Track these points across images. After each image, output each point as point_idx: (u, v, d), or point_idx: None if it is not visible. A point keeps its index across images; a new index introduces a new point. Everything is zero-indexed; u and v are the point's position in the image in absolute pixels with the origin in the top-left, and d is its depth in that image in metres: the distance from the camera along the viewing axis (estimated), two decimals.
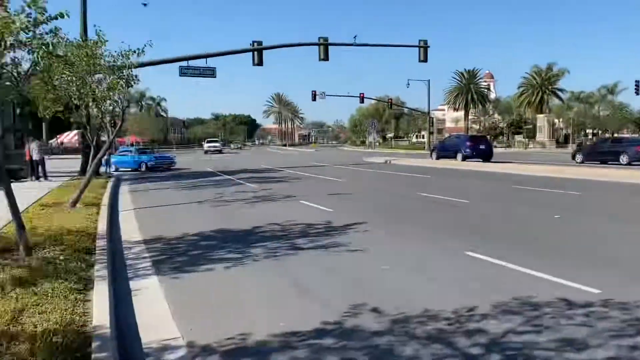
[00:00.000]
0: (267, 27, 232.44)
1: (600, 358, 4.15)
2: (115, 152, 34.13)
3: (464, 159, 32.96)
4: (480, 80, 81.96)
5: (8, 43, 6.41)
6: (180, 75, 27.05)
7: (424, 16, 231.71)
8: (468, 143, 33.90)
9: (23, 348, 4.00)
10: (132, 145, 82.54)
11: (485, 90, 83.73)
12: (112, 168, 28.85)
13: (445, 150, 35.81)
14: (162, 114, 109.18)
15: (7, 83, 13.83)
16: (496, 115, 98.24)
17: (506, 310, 5.25)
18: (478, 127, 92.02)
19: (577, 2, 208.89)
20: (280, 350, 4.47)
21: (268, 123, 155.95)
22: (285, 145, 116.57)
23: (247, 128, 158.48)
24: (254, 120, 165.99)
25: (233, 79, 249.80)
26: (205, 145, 73.14)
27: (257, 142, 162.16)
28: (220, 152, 69.16)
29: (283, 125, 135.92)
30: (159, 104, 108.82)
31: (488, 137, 58.54)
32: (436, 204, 13.57)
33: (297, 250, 8.29)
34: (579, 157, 30.93)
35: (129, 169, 30.53)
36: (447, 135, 61.39)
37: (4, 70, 7.46)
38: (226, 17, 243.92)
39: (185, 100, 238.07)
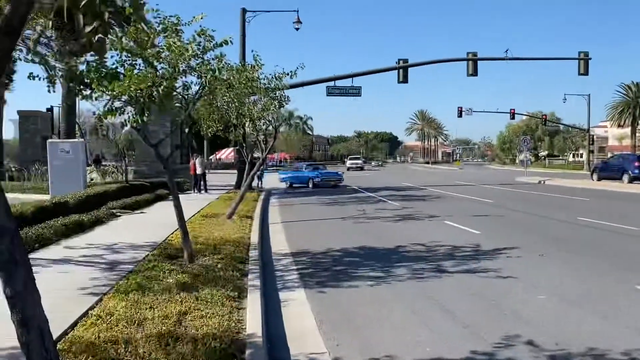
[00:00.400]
0: (412, 44, 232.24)
1: None
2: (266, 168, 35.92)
3: (632, 180, 29.42)
4: None
5: (181, 69, 7.14)
6: (327, 95, 28.01)
7: (582, 26, 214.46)
8: (637, 163, 30.23)
9: (186, 349, 4.33)
10: (284, 161, 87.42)
11: None
12: (286, 183, 30.18)
13: (608, 170, 32.39)
14: (308, 131, 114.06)
15: (177, 105, 15.43)
16: None
17: None
18: None
19: None
20: None
21: (410, 140, 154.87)
22: (427, 162, 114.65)
23: (389, 145, 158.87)
24: (396, 138, 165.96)
25: (377, 97, 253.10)
26: (348, 162, 74.79)
27: (398, 159, 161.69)
28: (361, 169, 70.17)
29: (426, 142, 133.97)
30: (305, 122, 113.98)
31: None
32: (599, 231, 12.26)
33: (442, 273, 8.00)
34: None
35: (300, 184, 30.65)
36: (610, 154, 55.60)
37: (175, 93, 8.30)
38: (371, 36, 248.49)
39: (330, 118, 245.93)
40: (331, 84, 28.05)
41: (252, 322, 5.17)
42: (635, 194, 23.93)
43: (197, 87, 8.00)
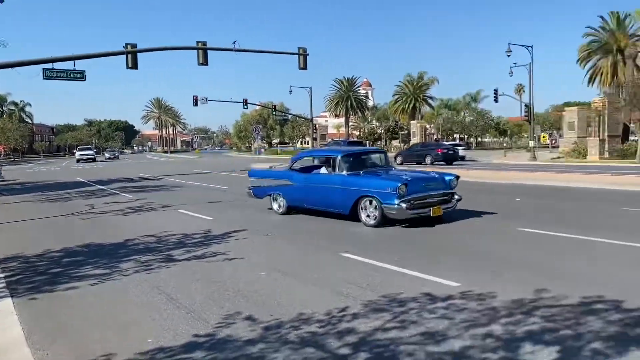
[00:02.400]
0: (142, 32, 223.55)
1: None
2: None
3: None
4: (358, 88, 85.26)
5: None
6: (44, 79, 24.89)
7: (301, 28, 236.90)
8: (345, 148, 35.21)
9: None
10: None
11: (364, 98, 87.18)
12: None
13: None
14: (27, 120, 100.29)
15: None
16: (374, 122, 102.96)
17: None
18: (358, 133, 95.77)
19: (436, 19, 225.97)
20: None
21: (148, 129, 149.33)
22: (166, 152, 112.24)
23: (125, 134, 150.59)
24: (132, 126, 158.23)
25: (110, 84, 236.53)
26: (77, 154, 66.48)
27: (135, 149, 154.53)
28: (94, 160, 64.13)
29: (164, 131, 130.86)
30: (22, 109, 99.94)
31: (366, 142, 61.24)
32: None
33: (171, 262, 7.98)
34: (399, 159, 35.93)
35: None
36: (329, 140, 63.16)
37: None
38: (97, 18, 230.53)
39: (55, 105, 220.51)
40: (49, 66, 25.08)
41: None
42: None
43: None
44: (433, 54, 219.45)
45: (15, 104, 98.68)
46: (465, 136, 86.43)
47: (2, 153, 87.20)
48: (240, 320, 5.28)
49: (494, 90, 48.64)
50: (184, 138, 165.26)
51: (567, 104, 74.29)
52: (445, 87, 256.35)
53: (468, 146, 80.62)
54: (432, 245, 8.85)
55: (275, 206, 12.96)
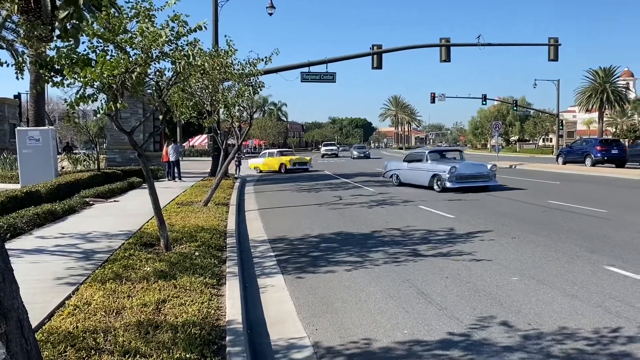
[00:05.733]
0: (386, 31, 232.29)
1: None
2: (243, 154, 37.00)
3: (594, 164, 30.47)
4: (617, 79, 74.80)
5: (154, 55, 7.03)
6: (302, 81, 27.87)
7: (550, 14, 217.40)
8: (598, 147, 31.26)
9: (166, 337, 4.33)
10: (255, 148, 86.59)
11: (624, 90, 76.21)
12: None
13: (573, 154, 33.45)
14: (283, 118, 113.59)
15: (150, 91, 15.14)
16: (636, 117, 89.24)
17: None
18: (614, 129, 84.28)
19: None
20: (405, 358, 4.41)
21: (384, 126, 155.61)
22: (401, 148, 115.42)
23: (363, 131, 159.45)
24: (370, 124, 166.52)
25: (352, 83, 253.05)
26: (323, 149, 69.42)
27: (372, 145, 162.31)
28: (336, 155, 66.05)
29: (399, 128, 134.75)
30: (279, 109, 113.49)
31: (624, 140, 53.44)
32: (567, 213, 12.57)
33: (418, 257, 8.13)
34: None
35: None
36: (577, 138, 56.95)
37: (148, 80, 8.16)
38: (345, 23, 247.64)
39: (305, 104, 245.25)
40: (305, 69, 27.93)
41: (232, 309, 5.19)
42: (596, 177, 24.62)
43: (171, 73, 7.88)
44: None
45: (274, 104, 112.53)
46: None
47: (263, 147, 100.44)
48: (495, 325, 5.10)
49: None
50: (418, 135, 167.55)
51: None
52: None
53: None
54: None
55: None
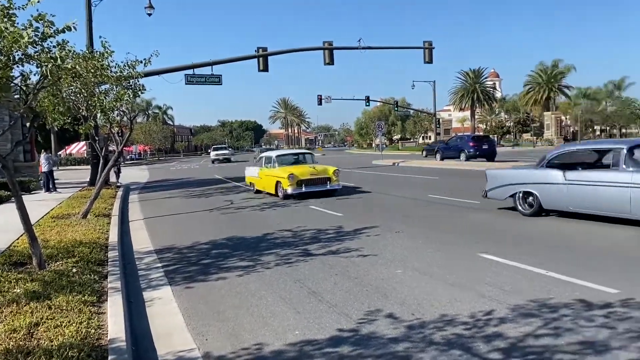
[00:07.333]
0: (271, 34, 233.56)
1: None
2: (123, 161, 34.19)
3: (468, 159, 33.13)
4: (485, 79, 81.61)
5: (16, 57, 6.44)
6: (186, 84, 27.08)
7: (427, 19, 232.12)
8: (471, 143, 34.06)
9: None
10: (140, 154, 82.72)
11: (491, 90, 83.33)
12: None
13: (449, 150, 36.04)
14: (169, 122, 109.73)
15: (16, 96, 13.87)
16: (502, 114, 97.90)
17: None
18: (485, 126, 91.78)
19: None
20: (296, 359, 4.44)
21: (274, 128, 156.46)
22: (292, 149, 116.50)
23: (254, 133, 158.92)
24: (261, 126, 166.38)
25: (240, 86, 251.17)
26: (212, 154, 59.28)
27: (263, 148, 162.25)
28: (229, 160, 56.73)
29: (289, 130, 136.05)
30: (165, 112, 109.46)
31: (493, 136, 58.38)
32: (445, 206, 13.46)
33: (309, 257, 8.24)
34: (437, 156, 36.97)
35: None
36: (453, 135, 61.23)
37: (12, 84, 7.47)
38: (231, 26, 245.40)
39: (193, 108, 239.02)
40: (190, 72, 27.19)
41: (114, 326, 4.90)
42: (470, 170, 26.72)
43: (38, 77, 7.28)
44: (568, 40, 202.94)
45: (159, 108, 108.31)
46: (607, 127, 79.02)
47: (148, 152, 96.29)
48: (382, 318, 5.30)
49: None
50: (308, 136, 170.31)
51: None
52: (583, 75, 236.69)
53: (611, 138, 73.71)
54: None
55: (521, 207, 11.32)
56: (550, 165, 10.72)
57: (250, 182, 20.23)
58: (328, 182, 16.78)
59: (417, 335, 4.77)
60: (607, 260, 7.28)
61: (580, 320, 4.92)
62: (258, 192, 19.07)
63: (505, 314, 5.23)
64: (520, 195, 11.27)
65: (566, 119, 79.38)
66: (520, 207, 11.32)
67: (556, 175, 10.34)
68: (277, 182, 16.97)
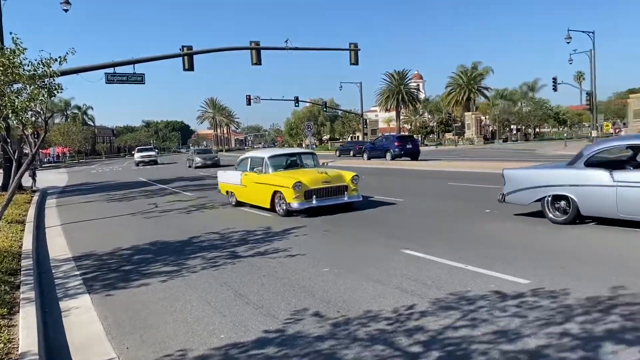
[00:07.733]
0: (197, 34, 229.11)
1: None
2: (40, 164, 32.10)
3: (393, 158, 34.23)
4: (409, 81, 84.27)
5: None
6: (106, 83, 25.93)
7: (354, 21, 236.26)
8: (396, 143, 35.21)
9: None
10: (58, 157, 78.52)
11: (415, 91, 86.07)
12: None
13: (375, 150, 37.07)
14: (89, 122, 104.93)
15: None
16: (426, 115, 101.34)
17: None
18: (410, 126, 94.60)
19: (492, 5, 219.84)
20: None
21: (203, 129, 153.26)
22: (221, 150, 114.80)
23: (181, 134, 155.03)
24: (188, 126, 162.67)
25: (166, 85, 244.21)
26: (137, 155, 53.22)
27: (191, 149, 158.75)
28: (156, 162, 52.48)
29: (218, 131, 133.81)
30: (85, 112, 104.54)
31: (417, 136, 60.38)
32: (372, 203, 13.77)
33: (236, 259, 8.16)
34: (365, 155, 38.23)
35: None
36: (379, 135, 62.75)
37: None
38: (154, 23, 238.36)
39: (115, 108, 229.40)
40: (111, 70, 26.10)
41: (26, 339, 4.63)
42: (395, 169, 27.58)
43: None
44: (487, 43, 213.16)
45: (78, 108, 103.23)
46: (523, 127, 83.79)
47: (68, 154, 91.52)
48: (308, 317, 5.34)
49: (553, 78, 47.13)
50: (238, 137, 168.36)
51: (632, 91, 70.63)
52: (501, 77, 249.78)
53: (526, 137, 78.23)
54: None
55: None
56: (590, 163, 8.82)
57: (228, 191, 15.43)
58: (345, 193, 12.63)
59: (341, 333, 4.86)
60: None
61: None
62: (239, 204, 14.65)
63: (426, 307, 5.42)
64: (549, 199, 9.40)
65: (485, 118, 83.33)
66: (550, 214, 9.40)
67: (600, 175, 8.52)
68: (276, 193, 12.55)
